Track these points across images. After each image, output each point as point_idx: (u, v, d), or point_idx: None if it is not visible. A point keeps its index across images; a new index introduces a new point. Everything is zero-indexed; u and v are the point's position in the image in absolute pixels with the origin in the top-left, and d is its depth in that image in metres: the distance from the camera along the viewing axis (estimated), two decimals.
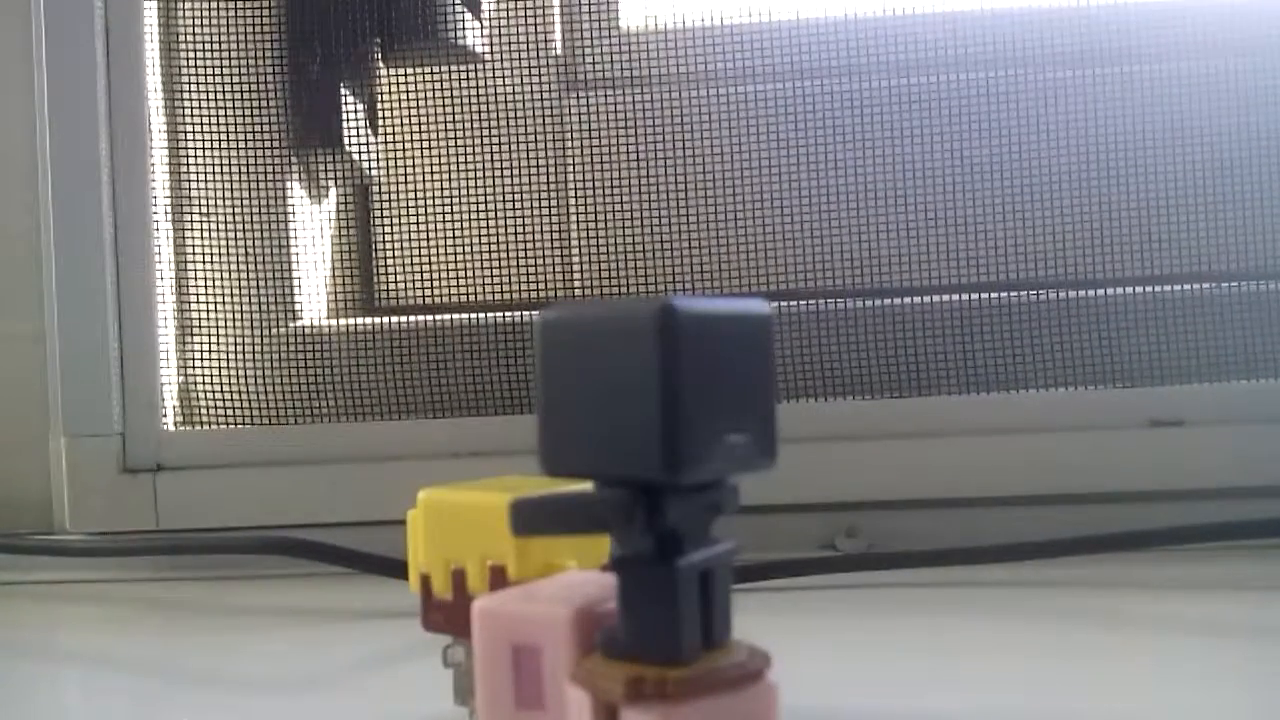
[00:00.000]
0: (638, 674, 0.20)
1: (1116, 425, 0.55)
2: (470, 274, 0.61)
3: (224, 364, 0.61)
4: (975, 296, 0.58)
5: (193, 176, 0.61)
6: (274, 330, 0.61)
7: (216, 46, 0.61)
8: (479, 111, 0.61)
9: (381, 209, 0.63)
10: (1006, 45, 0.59)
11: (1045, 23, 0.59)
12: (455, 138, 0.62)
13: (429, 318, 0.61)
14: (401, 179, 0.62)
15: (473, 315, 0.61)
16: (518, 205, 0.62)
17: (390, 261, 0.63)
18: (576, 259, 0.61)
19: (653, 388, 0.20)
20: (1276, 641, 0.40)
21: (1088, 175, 0.59)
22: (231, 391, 0.61)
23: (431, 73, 0.62)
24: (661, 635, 0.21)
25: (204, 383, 0.61)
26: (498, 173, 0.62)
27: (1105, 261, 0.59)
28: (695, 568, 0.21)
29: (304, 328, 0.62)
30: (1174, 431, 0.55)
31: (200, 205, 0.61)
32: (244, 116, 0.61)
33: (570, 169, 0.62)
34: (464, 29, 0.62)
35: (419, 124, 0.62)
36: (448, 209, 0.62)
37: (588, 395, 0.21)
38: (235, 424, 0.61)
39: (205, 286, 0.62)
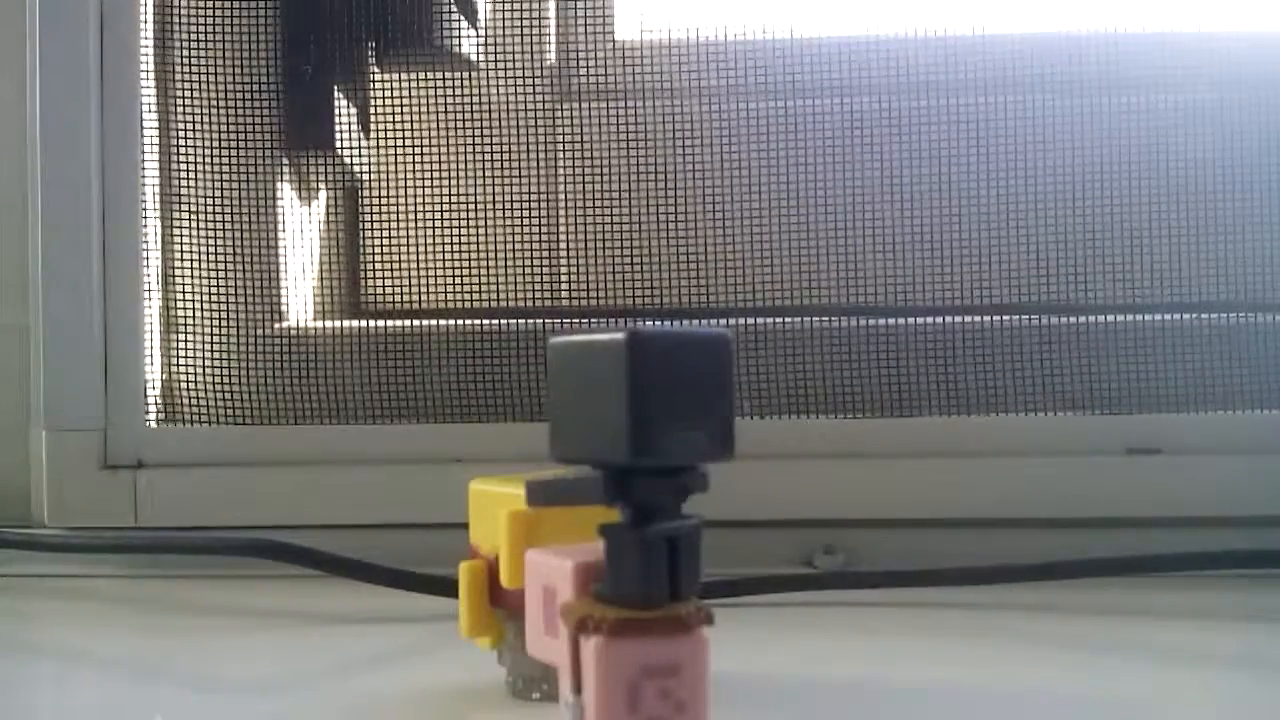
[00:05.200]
0: (587, 613, 0.26)
1: (1094, 452, 0.56)
2: (458, 280, 0.62)
3: (208, 362, 0.61)
4: (958, 319, 0.59)
5: (183, 173, 0.61)
6: (259, 330, 0.61)
7: (211, 44, 0.61)
8: (472, 119, 0.62)
9: (371, 212, 0.63)
10: (995, 71, 0.59)
11: (1034, 50, 0.59)
12: (447, 144, 0.62)
13: (415, 323, 0.61)
14: (392, 183, 0.62)
15: (459, 321, 0.61)
16: (508, 213, 0.62)
17: (378, 265, 0.63)
18: (565, 268, 0.62)
19: (622, 392, 0.26)
20: (1241, 670, 0.40)
21: (1072, 203, 0.59)
22: (215, 390, 0.61)
23: (425, 78, 0.62)
24: (620, 584, 0.26)
25: (188, 380, 0.61)
26: (489, 180, 0.62)
27: (1087, 289, 0.59)
28: (661, 534, 0.26)
29: (290, 329, 0.62)
30: (1151, 460, 0.55)
31: (190, 203, 0.61)
32: (236, 115, 0.61)
33: (561, 179, 0.62)
34: (459, 36, 0.62)
35: (411, 129, 0.62)
36: (437, 215, 0.62)
37: (579, 399, 0.27)
38: (218, 423, 0.61)
39: (192, 284, 0.61)
